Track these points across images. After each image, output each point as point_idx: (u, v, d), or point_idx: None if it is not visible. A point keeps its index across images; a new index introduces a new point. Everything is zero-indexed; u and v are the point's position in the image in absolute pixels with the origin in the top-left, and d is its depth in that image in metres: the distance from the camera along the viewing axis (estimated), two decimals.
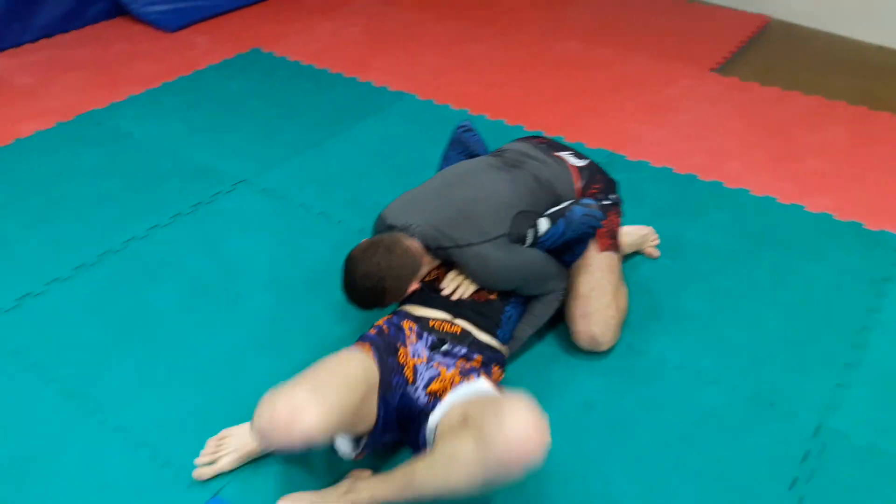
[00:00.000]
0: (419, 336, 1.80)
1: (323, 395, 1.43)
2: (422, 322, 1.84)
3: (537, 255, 1.98)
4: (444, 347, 1.79)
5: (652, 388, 1.96)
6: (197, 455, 1.76)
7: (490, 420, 1.39)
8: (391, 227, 1.95)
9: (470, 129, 2.35)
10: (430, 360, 1.76)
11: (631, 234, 2.37)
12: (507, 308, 1.96)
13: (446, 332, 1.83)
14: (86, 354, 2.06)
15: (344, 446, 1.65)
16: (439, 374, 1.71)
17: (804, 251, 2.42)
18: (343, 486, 1.64)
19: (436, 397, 1.65)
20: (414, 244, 1.89)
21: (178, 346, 2.09)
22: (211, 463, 1.74)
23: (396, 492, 1.56)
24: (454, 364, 1.75)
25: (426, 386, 1.69)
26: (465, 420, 1.48)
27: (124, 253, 2.43)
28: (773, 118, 3.19)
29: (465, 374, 1.71)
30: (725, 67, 3.66)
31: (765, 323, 2.15)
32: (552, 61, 3.72)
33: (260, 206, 2.68)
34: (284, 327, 2.16)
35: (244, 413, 1.78)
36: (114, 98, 3.36)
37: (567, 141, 3.01)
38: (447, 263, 1.99)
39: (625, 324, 2.12)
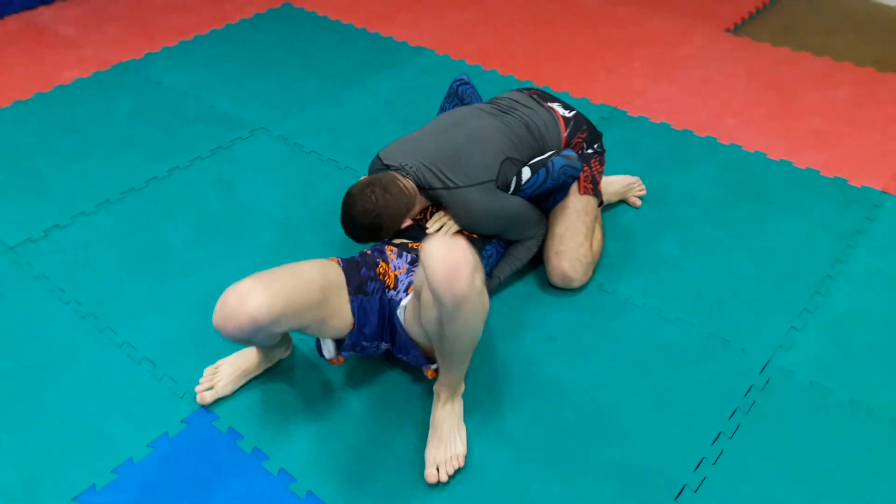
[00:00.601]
0: (399, 255, 1.95)
1: (267, 282, 1.59)
2: (402, 245, 1.99)
3: (520, 203, 2.11)
4: None
5: (614, 323, 2.09)
6: (192, 371, 1.95)
7: (420, 271, 1.53)
8: (387, 167, 2.09)
9: (467, 83, 2.47)
10: (409, 271, 1.91)
11: (615, 182, 2.48)
12: (488, 247, 2.10)
13: None
14: (101, 280, 2.27)
15: (328, 350, 1.81)
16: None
17: (784, 203, 2.51)
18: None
19: None
20: (409, 184, 2.03)
21: (186, 275, 2.28)
22: (210, 389, 1.91)
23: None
24: None
25: (406, 288, 1.85)
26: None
27: (145, 191, 2.63)
28: (779, 78, 3.24)
29: None
30: (742, 28, 3.70)
31: (734, 269, 2.26)
32: (572, 18, 3.79)
33: (274, 151, 2.85)
34: (286, 261, 2.30)
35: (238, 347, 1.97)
36: (149, 49, 3.56)
37: (572, 96, 3.11)
38: (438, 204, 2.13)
39: (598, 266, 2.25)
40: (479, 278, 1.48)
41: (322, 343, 1.82)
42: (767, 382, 1.92)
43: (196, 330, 2.08)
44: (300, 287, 1.63)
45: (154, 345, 2.05)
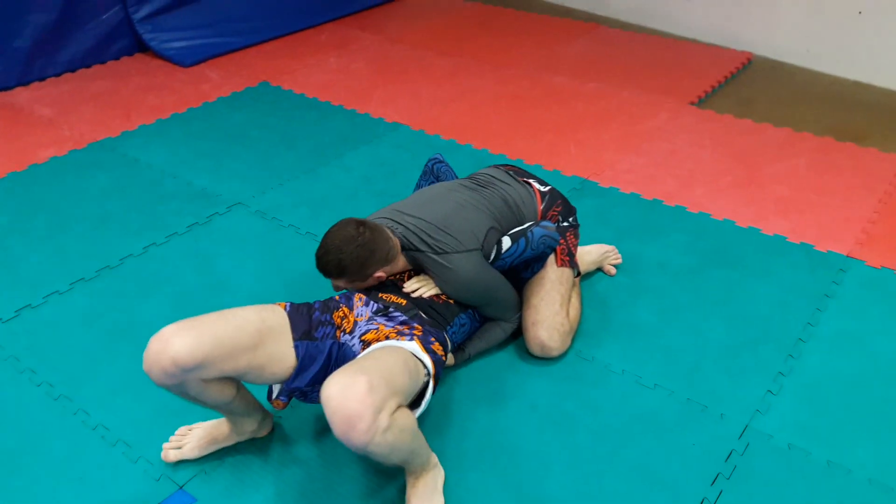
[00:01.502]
0: (366, 304, 1.94)
1: (191, 325, 1.56)
2: (371, 294, 2.00)
3: (502, 279, 2.15)
4: (388, 312, 1.92)
5: (594, 391, 2.11)
6: None
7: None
8: None
9: (441, 161, 2.53)
10: (371, 319, 1.89)
11: (592, 252, 2.53)
12: (463, 315, 2.11)
13: (392, 301, 1.97)
14: (75, 361, 2.24)
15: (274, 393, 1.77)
16: (377, 328, 1.84)
17: (755, 269, 2.57)
18: None
19: (368, 345, 1.78)
20: (395, 239, 2.06)
21: None
22: (178, 449, 1.89)
23: None
24: (393, 325, 1.87)
25: (362, 335, 1.82)
26: None
27: (120, 269, 2.63)
28: (743, 148, 3.35)
29: (401, 334, 1.82)
30: (705, 101, 3.84)
31: (709, 334, 2.29)
32: (542, 95, 3.91)
33: (252, 226, 2.87)
34: None
35: (217, 413, 1.95)
36: (126, 127, 3.60)
37: (545, 168, 3.19)
38: (419, 269, 2.15)
39: (576, 334, 2.27)
40: (385, 417, 1.43)
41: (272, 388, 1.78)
42: (747, 447, 1.93)
43: (173, 410, 2.04)
44: (230, 330, 1.59)
45: (129, 426, 2.02)
